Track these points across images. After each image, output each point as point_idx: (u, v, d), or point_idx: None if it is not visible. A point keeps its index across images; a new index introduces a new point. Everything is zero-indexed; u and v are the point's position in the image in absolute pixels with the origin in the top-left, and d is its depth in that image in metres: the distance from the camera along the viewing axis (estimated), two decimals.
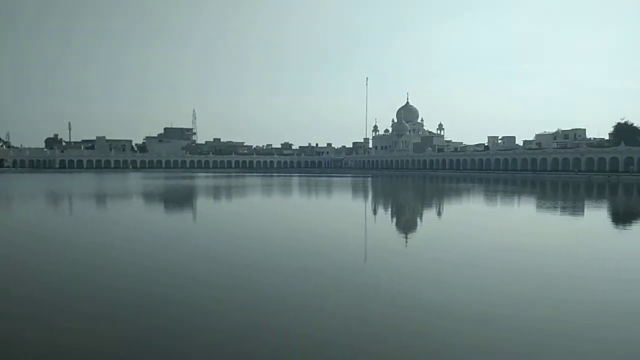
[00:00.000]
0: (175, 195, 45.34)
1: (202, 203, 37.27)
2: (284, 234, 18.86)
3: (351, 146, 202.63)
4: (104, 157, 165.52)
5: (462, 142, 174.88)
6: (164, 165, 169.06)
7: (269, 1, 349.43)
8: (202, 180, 79.73)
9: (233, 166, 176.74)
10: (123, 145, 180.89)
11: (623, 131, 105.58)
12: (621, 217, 28.61)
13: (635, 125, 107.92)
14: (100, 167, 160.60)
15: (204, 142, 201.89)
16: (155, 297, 9.88)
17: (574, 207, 34.27)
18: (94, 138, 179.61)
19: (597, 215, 29.30)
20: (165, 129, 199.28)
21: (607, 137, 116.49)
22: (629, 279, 11.86)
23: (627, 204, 38.12)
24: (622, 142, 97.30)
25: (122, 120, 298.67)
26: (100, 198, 40.72)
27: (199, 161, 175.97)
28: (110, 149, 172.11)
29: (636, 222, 25.78)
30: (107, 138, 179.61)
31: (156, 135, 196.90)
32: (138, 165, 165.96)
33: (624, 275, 12.27)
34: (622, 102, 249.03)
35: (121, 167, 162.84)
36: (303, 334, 7.96)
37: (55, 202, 37.61)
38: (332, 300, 9.71)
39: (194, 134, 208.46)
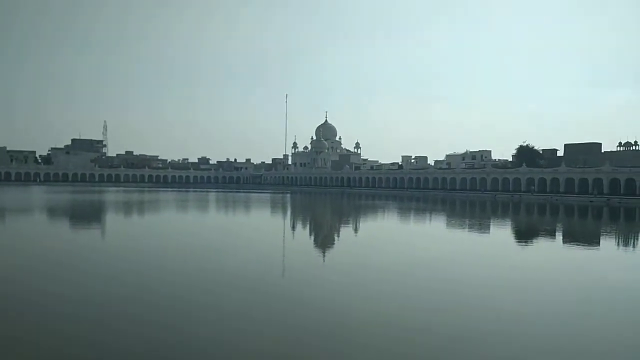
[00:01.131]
0: (80, 211, 43.10)
1: (111, 219, 35.71)
2: (197, 252, 18.57)
3: (271, 162, 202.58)
4: (4, 169, 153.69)
5: (377, 161, 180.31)
6: (70, 179, 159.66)
7: (188, 13, 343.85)
8: (112, 195, 76.31)
9: (146, 180, 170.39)
10: (25, 157, 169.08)
11: (525, 153, 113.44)
12: (523, 234, 30.84)
13: (535, 148, 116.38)
14: None
15: (115, 155, 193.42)
16: (62, 316, 9.45)
17: (481, 224, 36.41)
18: None
19: (501, 232, 31.40)
20: (73, 140, 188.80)
21: (510, 159, 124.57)
22: (531, 287, 12.87)
23: (528, 221, 41.10)
24: (524, 164, 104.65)
25: (25, 130, 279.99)
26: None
27: (109, 175, 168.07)
28: (12, 160, 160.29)
29: (536, 238, 27.87)
30: (7, 149, 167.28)
31: (63, 146, 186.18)
32: (42, 179, 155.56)
33: (527, 284, 13.29)
34: (525, 125, 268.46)
35: (23, 180, 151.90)
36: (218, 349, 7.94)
37: None
38: (250, 316, 9.75)
39: (105, 146, 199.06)
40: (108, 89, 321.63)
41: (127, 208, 46.26)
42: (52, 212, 40.45)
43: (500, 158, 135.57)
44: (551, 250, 22.35)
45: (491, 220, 40.83)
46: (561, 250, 22.84)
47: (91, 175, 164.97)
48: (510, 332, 9.12)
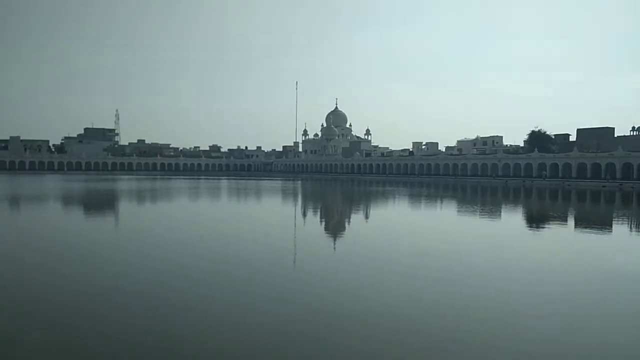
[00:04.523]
0: (95, 199, 43.33)
1: (125, 207, 35.85)
2: (209, 239, 18.53)
3: (281, 150, 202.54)
4: (18, 158, 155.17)
5: (388, 147, 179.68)
6: (84, 167, 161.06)
7: (202, 2, 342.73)
8: (124, 183, 76.73)
9: (158, 169, 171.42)
10: (39, 146, 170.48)
11: (537, 139, 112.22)
12: (535, 219, 30.51)
13: (547, 133, 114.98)
14: (14, 168, 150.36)
15: (127, 144, 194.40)
16: (71, 308, 9.40)
17: (492, 210, 36.07)
18: (8, 138, 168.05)
19: (513, 218, 31.11)
20: (86, 129, 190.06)
21: (522, 144, 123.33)
22: (544, 278, 12.63)
23: (540, 207, 40.66)
24: (536, 149, 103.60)
25: (39, 120, 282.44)
26: (12, 201, 38.16)
27: (122, 163, 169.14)
28: (25, 150, 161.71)
29: (547, 224, 27.53)
30: (21, 138, 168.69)
31: (76, 135, 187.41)
32: (56, 167, 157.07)
33: (539, 274, 13.05)
34: (538, 110, 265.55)
35: (37, 169, 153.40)
36: (225, 344, 7.84)
37: None
38: (258, 307, 9.64)
39: (117, 134, 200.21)
40: (120, 78, 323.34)
41: (139, 197, 46.44)
42: (66, 200, 40.70)
43: (512, 143, 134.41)
44: (563, 235, 22.04)
45: (502, 206, 40.45)
46: (573, 235, 22.54)
47: (104, 164, 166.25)
48: (529, 326, 8.91)
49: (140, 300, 10.01)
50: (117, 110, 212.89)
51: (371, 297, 10.42)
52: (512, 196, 54.56)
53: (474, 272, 13.13)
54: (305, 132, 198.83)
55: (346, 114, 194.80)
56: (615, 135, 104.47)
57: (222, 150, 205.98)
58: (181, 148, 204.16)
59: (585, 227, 26.55)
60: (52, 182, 74.92)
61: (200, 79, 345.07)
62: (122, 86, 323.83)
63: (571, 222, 29.52)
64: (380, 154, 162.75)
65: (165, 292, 10.60)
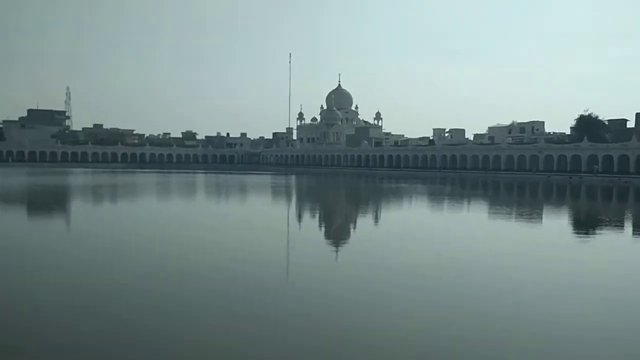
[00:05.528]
0: (37, 198, 43.20)
1: (77, 208, 35.73)
2: (182, 251, 18.42)
3: (271, 137, 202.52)
4: None
5: (403, 135, 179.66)
6: (27, 158, 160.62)
7: None
8: (78, 178, 76.62)
9: (119, 160, 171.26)
10: None
11: (586, 125, 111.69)
12: (584, 225, 30.39)
13: (600, 118, 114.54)
14: None
15: (80, 129, 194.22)
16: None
17: (531, 213, 35.97)
18: None
19: (556, 223, 31.04)
20: (30, 111, 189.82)
21: (568, 132, 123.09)
22: (598, 298, 12.53)
23: (590, 209, 40.56)
24: (585, 138, 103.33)
25: None
26: None
27: (74, 153, 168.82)
28: None
29: (600, 231, 27.42)
30: None
31: (17, 119, 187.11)
32: None
33: (591, 293, 12.95)
34: (588, 90, 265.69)
35: None
36: None
37: None
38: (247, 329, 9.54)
39: (68, 118, 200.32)
40: (73, 48, 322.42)
41: (95, 195, 46.31)
42: (1, 199, 40.58)
43: (556, 131, 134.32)
44: (620, 245, 21.94)
45: (544, 208, 40.36)
46: (633, 244, 22.42)
47: (52, 154, 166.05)
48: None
49: (90, 323, 9.89)
50: (68, 88, 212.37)
51: (383, 322, 10.31)
52: (555, 195, 54.50)
53: (513, 290, 13.00)
54: (300, 116, 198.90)
55: (351, 93, 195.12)
56: None
57: (198, 137, 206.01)
58: (147, 135, 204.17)
59: None
60: None
61: (172, 50, 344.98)
62: (75, 58, 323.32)
63: (629, 228, 29.43)
64: (393, 143, 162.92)
65: (119, 319, 10.49)
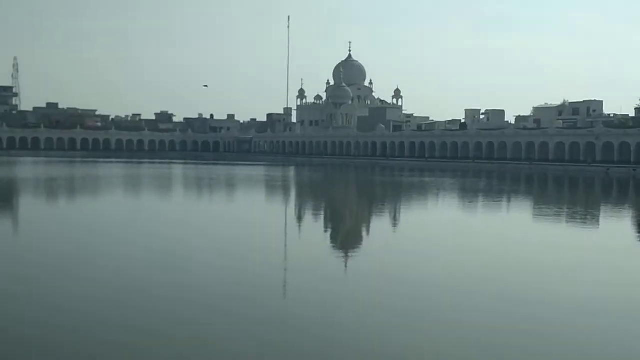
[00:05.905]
0: None
1: (27, 205, 35.84)
2: (162, 263, 18.46)
3: (265, 120, 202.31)
4: None
5: (428, 118, 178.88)
6: None
7: None
8: (27, 169, 76.69)
9: (78, 147, 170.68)
10: None
11: None
12: None
13: None
14: None
15: (31, 109, 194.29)
16: None
17: (586, 214, 35.89)
18: None
19: (618, 226, 30.98)
20: None
21: (633, 114, 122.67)
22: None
23: None
24: None
25: None
26: None
27: (23, 139, 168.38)
28: None
29: None
30: None
31: None
32: None
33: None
34: None
35: None
36: None
37: None
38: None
39: (16, 95, 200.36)
40: (22, 11, 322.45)
41: (48, 189, 46.39)
42: None
43: (617, 113, 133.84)
44: None
45: (602, 208, 40.25)
46: None
47: None
48: None
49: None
50: (15, 59, 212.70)
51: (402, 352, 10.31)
52: (616, 192, 54.33)
53: (568, 312, 12.97)
54: (301, 94, 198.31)
55: (364, 66, 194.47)
56: None
57: (175, 120, 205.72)
58: (113, 116, 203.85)
59: None
60: None
61: (143, 14, 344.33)
62: (25, 22, 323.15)
63: None
64: (416, 128, 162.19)
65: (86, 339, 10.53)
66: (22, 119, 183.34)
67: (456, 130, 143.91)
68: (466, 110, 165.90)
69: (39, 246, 21.17)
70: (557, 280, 16.34)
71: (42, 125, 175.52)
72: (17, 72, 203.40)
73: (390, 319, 12.12)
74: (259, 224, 29.25)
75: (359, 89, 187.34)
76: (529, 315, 12.49)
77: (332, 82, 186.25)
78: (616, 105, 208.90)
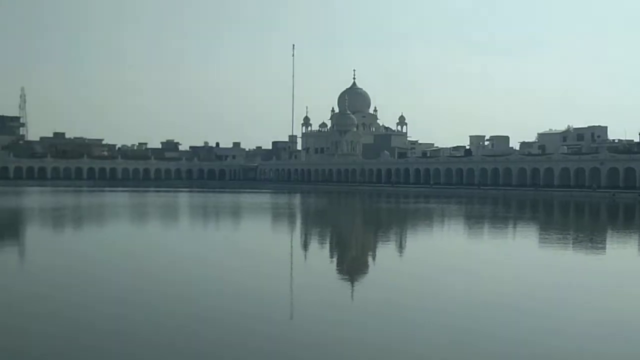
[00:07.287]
0: None
1: (34, 235, 35.96)
2: (172, 290, 18.54)
3: (270, 148, 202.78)
4: None
5: (433, 144, 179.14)
6: None
7: None
8: (33, 198, 76.89)
9: (85, 177, 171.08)
10: None
11: None
12: None
13: None
14: None
15: (38, 139, 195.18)
16: None
17: (592, 239, 35.79)
18: None
19: (624, 253, 30.87)
20: None
21: (638, 139, 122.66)
22: None
23: None
24: None
25: None
26: None
27: (30, 168, 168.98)
28: None
29: None
30: None
31: None
32: None
33: None
34: None
35: None
36: None
37: None
38: None
39: (23, 125, 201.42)
40: (29, 42, 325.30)
41: (54, 219, 46.47)
42: None
43: (623, 138, 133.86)
44: None
45: (608, 234, 40.16)
46: None
47: (3, 170, 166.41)
48: None
49: None
50: (22, 90, 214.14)
51: None
52: (622, 217, 54.22)
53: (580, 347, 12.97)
54: (306, 121, 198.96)
55: (369, 93, 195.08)
56: None
57: (181, 148, 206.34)
58: (119, 146, 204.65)
59: None
60: None
61: (149, 43, 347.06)
62: (32, 53, 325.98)
63: None
64: (420, 154, 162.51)
65: None
66: (29, 148, 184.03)
67: (461, 156, 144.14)
68: (471, 136, 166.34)
69: (42, 279, 21.25)
70: (562, 304, 16.34)
71: (49, 155, 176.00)
72: (24, 102, 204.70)
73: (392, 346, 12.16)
74: (265, 252, 29.27)
75: (364, 116, 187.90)
76: (544, 345, 12.49)
77: (336, 110, 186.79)
78: (620, 130, 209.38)
